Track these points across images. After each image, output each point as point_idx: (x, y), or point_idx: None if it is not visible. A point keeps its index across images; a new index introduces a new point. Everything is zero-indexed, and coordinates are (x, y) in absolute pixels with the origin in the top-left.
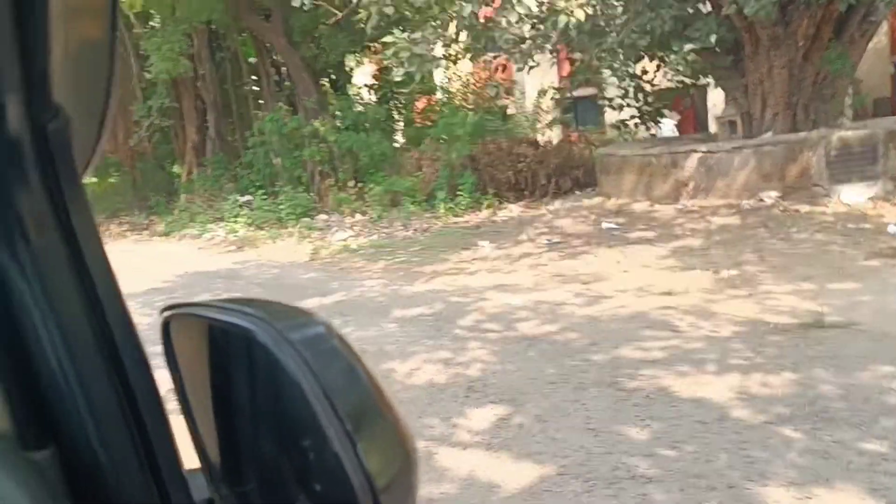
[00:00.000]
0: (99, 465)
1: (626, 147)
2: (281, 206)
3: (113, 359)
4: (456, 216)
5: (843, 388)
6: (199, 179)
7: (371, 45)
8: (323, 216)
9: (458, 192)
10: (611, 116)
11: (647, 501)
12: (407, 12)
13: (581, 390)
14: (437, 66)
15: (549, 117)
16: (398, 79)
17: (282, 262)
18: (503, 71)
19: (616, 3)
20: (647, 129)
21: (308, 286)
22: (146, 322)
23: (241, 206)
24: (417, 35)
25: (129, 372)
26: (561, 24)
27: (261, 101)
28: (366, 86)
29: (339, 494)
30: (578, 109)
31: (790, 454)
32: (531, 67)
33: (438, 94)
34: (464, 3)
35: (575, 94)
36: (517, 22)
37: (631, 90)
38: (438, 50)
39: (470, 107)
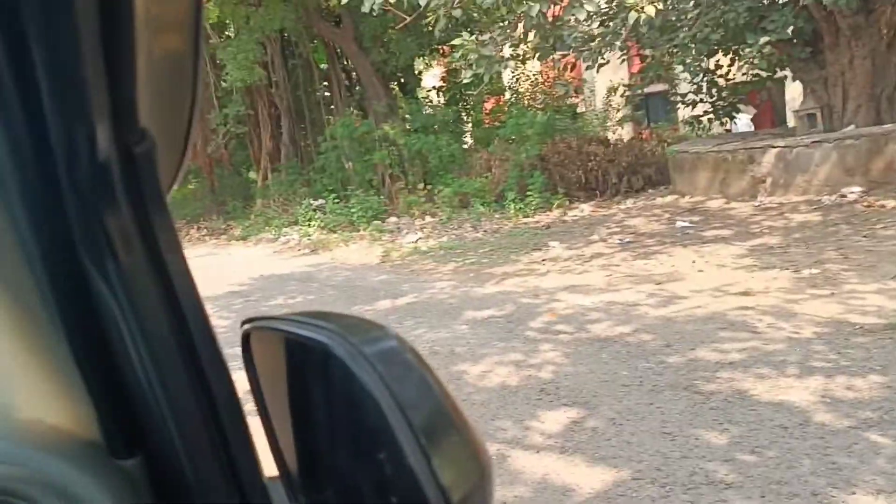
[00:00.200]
0: (184, 473)
1: (700, 143)
2: (352, 210)
3: (196, 370)
4: (526, 217)
5: None
6: (274, 184)
7: (439, 47)
8: (393, 219)
9: (528, 193)
10: (683, 112)
11: None
12: (475, 14)
13: (656, 393)
14: (506, 67)
15: (620, 115)
16: (466, 80)
17: (354, 265)
18: (572, 69)
19: None
20: (722, 124)
21: (379, 288)
22: (225, 325)
23: (314, 209)
24: (485, 37)
25: (211, 384)
26: (631, 21)
27: (332, 107)
28: (434, 88)
29: None
30: (649, 106)
31: (878, 460)
32: (600, 65)
33: (507, 95)
34: (532, 3)
35: (646, 90)
36: (586, 20)
37: (704, 85)
38: (506, 50)
39: (539, 106)
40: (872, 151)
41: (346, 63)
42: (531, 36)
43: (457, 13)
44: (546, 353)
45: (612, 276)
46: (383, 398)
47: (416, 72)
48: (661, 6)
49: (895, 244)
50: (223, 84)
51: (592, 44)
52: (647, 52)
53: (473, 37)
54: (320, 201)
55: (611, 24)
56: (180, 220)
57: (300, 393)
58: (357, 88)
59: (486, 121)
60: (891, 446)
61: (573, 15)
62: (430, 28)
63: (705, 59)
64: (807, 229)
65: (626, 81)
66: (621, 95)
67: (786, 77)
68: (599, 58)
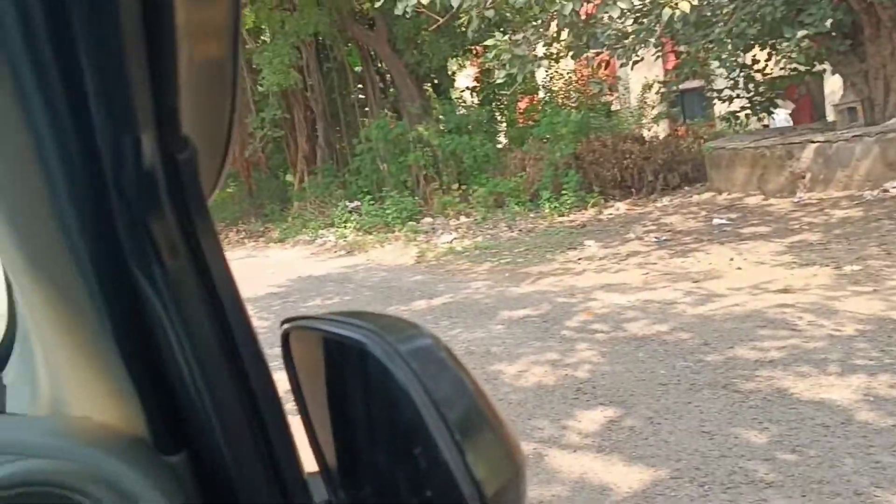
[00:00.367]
0: (227, 469)
1: (737, 139)
2: (388, 211)
3: (238, 370)
4: (561, 216)
5: None
6: (311, 187)
7: (472, 48)
8: (428, 219)
9: (563, 192)
10: (720, 108)
11: None
12: (507, 14)
13: (694, 392)
14: (539, 66)
15: (655, 112)
16: (500, 80)
17: (389, 266)
18: (606, 67)
19: None
20: (759, 119)
21: (415, 289)
22: (265, 325)
23: (350, 211)
24: (518, 36)
25: (253, 382)
26: (665, 17)
27: (367, 109)
28: (468, 88)
29: (449, 502)
30: (685, 103)
31: None
32: (635, 62)
33: (541, 94)
34: (565, 2)
35: (681, 87)
36: (619, 17)
37: (741, 81)
38: (539, 49)
39: (573, 105)
40: None
41: (379, 65)
42: (564, 34)
43: (489, 13)
44: (582, 352)
45: (648, 275)
46: (418, 395)
47: (450, 73)
48: (695, 2)
49: None
50: (259, 88)
51: (626, 41)
52: (682, 48)
53: (506, 37)
54: (356, 203)
55: (645, 20)
56: (219, 223)
57: (338, 390)
58: (391, 90)
59: (520, 120)
60: None
61: (606, 13)
62: (463, 29)
63: (741, 54)
64: (848, 225)
65: (661, 78)
66: (656, 92)
67: (824, 71)
68: (634, 55)
